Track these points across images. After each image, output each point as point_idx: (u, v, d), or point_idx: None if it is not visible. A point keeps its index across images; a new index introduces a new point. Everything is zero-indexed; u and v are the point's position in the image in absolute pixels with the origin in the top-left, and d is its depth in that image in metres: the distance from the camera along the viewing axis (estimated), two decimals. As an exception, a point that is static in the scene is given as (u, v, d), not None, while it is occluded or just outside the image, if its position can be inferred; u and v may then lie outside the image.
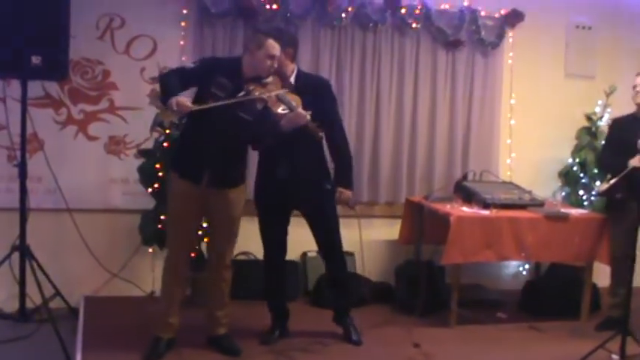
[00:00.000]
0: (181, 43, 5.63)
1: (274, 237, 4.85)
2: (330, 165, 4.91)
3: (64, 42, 4.83)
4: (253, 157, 4.93)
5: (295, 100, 4.47)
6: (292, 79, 4.70)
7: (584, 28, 6.55)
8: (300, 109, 4.40)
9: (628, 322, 4.71)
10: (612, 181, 4.87)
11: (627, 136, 5.19)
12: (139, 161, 5.42)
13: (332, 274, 5.02)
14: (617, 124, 5.51)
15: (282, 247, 4.89)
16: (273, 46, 4.38)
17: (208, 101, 4.21)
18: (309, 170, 4.72)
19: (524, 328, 5.46)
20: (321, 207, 4.80)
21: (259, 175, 4.85)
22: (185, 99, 4.22)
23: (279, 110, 4.42)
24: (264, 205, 4.83)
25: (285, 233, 4.87)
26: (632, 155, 4.95)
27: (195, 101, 4.30)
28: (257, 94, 4.33)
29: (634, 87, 5.26)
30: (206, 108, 4.18)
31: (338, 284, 4.99)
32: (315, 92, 4.70)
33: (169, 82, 4.33)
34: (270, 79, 4.44)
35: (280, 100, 4.43)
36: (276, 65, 4.45)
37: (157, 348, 4.48)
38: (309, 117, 4.41)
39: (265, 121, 4.37)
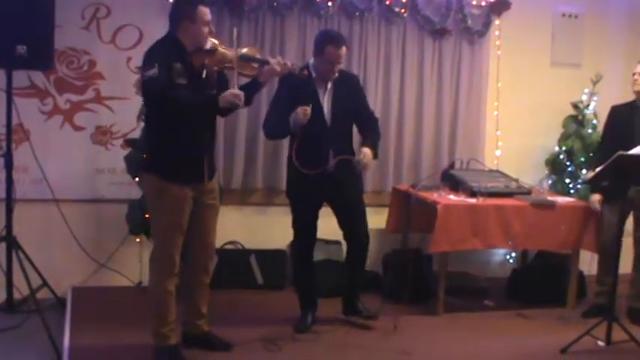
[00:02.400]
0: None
1: (310, 225, 4.94)
2: None
3: (49, 31, 4.80)
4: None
5: (258, 52, 4.42)
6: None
7: (570, 16, 6.55)
8: (275, 60, 4.29)
9: (614, 308, 4.76)
10: (598, 169, 4.88)
11: (623, 125, 5.22)
12: (126, 151, 5.40)
13: (355, 261, 5.05)
14: (615, 111, 5.47)
15: (314, 235, 4.99)
16: (206, 12, 4.07)
17: (181, 91, 3.98)
18: (345, 162, 4.79)
19: (511, 316, 5.49)
20: (358, 196, 4.98)
21: (294, 168, 4.78)
22: (233, 90, 3.99)
23: (251, 69, 4.27)
24: (302, 194, 4.87)
25: (316, 221, 4.95)
26: (628, 144, 4.87)
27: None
28: (214, 65, 4.14)
29: (634, 74, 5.23)
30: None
31: (358, 271, 5.07)
32: (351, 87, 4.93)
33: (179, 94, 3.96)
34: (210, 45, 4.14)
35: (247, 60, 4.26)
36: (213, 29, 4.26)
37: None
38: (289, 64, 4.38)
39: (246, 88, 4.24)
